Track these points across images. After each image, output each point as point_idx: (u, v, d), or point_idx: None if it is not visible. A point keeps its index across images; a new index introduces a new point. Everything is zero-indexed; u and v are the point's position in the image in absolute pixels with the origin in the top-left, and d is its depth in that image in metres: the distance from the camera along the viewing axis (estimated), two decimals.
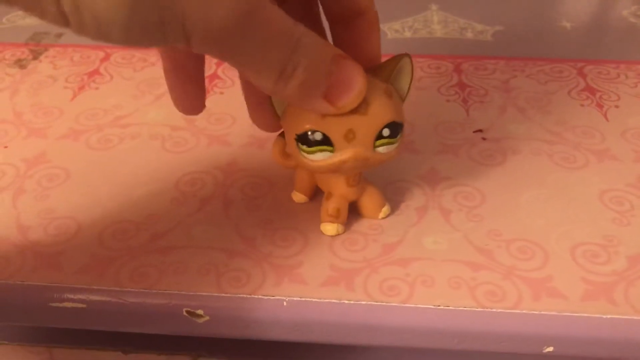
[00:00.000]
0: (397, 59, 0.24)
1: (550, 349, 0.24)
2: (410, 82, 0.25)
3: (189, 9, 0.17)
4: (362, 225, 0.28)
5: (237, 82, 0.38)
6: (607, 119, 0.35)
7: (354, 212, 0.28)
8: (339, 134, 0.23)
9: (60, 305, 0.25)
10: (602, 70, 0.40)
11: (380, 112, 0.23)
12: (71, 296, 0.25)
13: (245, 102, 0.27)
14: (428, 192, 0.30)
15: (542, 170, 0.31)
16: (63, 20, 0.16)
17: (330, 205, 0.27)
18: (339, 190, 0.27)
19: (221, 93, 0.37)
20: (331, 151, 0.23)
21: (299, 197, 0.29)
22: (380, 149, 0.23)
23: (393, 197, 0.29)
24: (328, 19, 0.25)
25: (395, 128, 0.23)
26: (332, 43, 0.25)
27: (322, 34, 0.25)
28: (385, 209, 0.28)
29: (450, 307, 0.24)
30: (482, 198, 0.29)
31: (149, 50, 0.42)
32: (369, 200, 0.28)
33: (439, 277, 0.25)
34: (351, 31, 0.24)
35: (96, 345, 0.30)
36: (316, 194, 0.29)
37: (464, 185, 0.30)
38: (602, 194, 0.29)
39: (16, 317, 0.26)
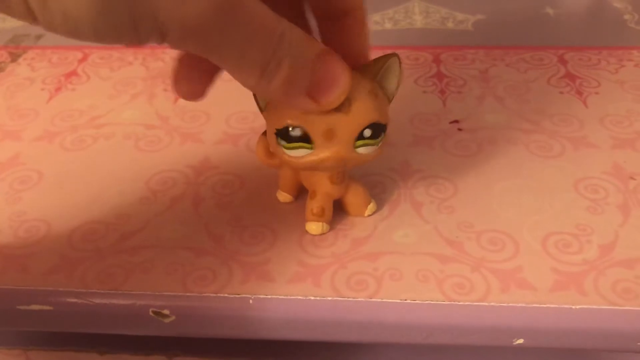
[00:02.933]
0: (384, 58, 0.23)
1: (521, 341, 0.24)
2: (399, 82, 0.24)
3: (163, 5, 0.16)
4: (332, 221, 0.27)
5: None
6: (586, 106, 0.35)
7: (336, 209, 0.27)
8: (319, 132, 0.22)
9: (28, 308, 0.25)
10: (584, 56, 0.39)
11: (362, 112, 0.22)
12: (38, 299, 0.25)
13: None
14: (400, 185, 0.29)
15: (517, 160, 0.31)
16: (30, 16, 0.16)
17: (314, 204, 0.26)
18: (323, 188, 0.26)
19: None
20: (310, 148, 0.23)
21: (283, 196, 0.28)
22: (361, 150, 0.23)
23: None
24: (315, 16, 0.24)
25: (378, 129, 0.23)
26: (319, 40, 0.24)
27: (308, 31, 0.25)
28: (371, 206, 0.27)
29: (417, 301, 0.24)
30: (454, 190, 0.29)
31: (126, 50, 0.42)
32: (354, 198, 0.27)
33: (407, 271, 0.25)
34: (339, 29, 0.23)
35: (72, 346, 0.30)
36: (302, 192, 0.28)
37: (436, 177, 0.30)
38: (577, 183, 0.29)
39: None
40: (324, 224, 0.27)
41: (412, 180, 0.29)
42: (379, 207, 0.28)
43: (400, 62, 0.24)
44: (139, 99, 0.36)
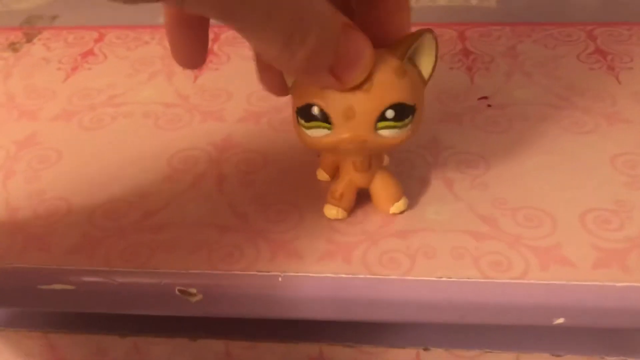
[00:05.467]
0: (416, 34, 0.22)
1: (561, 320, 0.23)
2: (435, 61, 0.22)
3: None
4: (361, 197, 0.26)
5: (233, 58, 0.37)
6: (619, 82, 0.33)
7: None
8: (338, 111, 0.21)
9: (50, 287, 0.24)
10: (614, 32, 0.38)
11: (384, 91, 0.21)
12: (60, 278, 0.24)
13: (255, 63, 0.24)
14: (430, 162, 0.28)
15: (549, 136, 0.30)
16: None
17: (336, 188, 0.25)
18: (347, 174, 0.25)
19: (216, 69, 0.36)
20: (329, 128, 0.22)
21: (322, 175, 0.27)
22: (383, 132, 0.22)
23: (393, 168, 0.28)
24: None
25: (403, 110, 0.21)
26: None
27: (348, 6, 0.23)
28: (400, 204, 0.25)
29: (452, 279, 0.23)
30: (486, 166, 0.28)
31: (143, 29, 0.41)
32: (381, 191, 0.25)
33: (440, 248, 0.24)
34: (377, 7, 0.22)
35: (93, 328, 0.29)
36: None
37: (467, 154, 0.29)
38: (613, 158, 0.28)
39: (5, 301, 0.25)
40: (341, 210, 0.25)
41: (442, 156, 0.29)
42: (408, 184, 0.27)
43: (436, 40, 0.22)
44: (158, 77, 0.36)
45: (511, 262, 0.23)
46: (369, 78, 0.21)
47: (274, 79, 0.23)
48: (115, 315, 0.29)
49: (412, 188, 0.27)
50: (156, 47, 0.39)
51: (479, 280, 0.23)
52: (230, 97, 0.34)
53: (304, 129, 0.22)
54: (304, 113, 0.22)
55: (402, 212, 0.25)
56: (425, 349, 0.28)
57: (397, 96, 0.21)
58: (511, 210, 0.26)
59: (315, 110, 0.21)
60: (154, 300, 0.24)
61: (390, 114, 0.21)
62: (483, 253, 0.24)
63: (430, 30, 0.22)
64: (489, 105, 0.32)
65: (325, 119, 0.21)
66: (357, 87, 0.21)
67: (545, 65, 0.35)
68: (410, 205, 0.26)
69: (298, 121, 0.22)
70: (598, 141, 0.29)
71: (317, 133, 0.22)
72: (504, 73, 0.35)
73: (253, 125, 0.31)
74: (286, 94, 0.24)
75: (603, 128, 0.30)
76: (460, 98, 0.33)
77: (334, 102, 0.21)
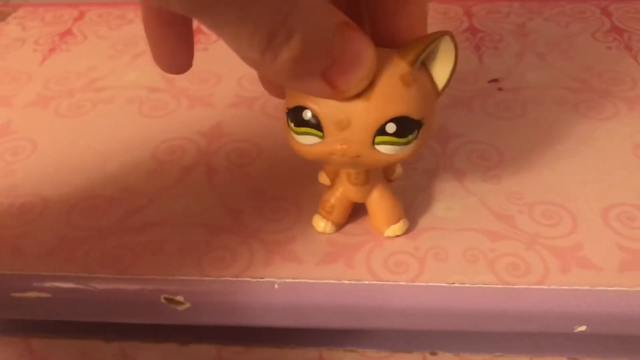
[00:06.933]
0: (432, 36, 0.18)
1: (583, 328, 0.21)
2: (453, 70, 0.19)
3: None
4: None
5: None
6: (637, 62, 0.31)
7: None
8: (331, 119, 0.18)
9: (24, 295, 0.22)
10: (630, 8, 0.36)
11: (386, 101, 0.18)
12: (34, 285, 0.22)
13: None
14: (438, 152, 0.26)
15: (566, 123, 0.27)
16: None
17: (328, 198, 0.22)
18: (342, 185, 0.22)
19: (205, 49, 0.34)
20: (320, 137, 0.19)
21: (323, 178, 0.25)
22: (381, 147, 0.19)
23: None
24: None
25: (407, 125, 0.18)
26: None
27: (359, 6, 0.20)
28: (396, 228, 0.22)
29: (467, 285, 0.21)
30: (499, 156, 0.26)
31: (126, 7, 0.38)
32: (377, 209, 0.22)
33: (453, 250, 0.22)
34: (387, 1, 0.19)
35: (76, 333, 0.27)
36: None
37: (478, 143, 0.26)
38: (636, 148, 0.26)
39: None
40: (329, 223, 0.23)
41: (451, 146, 0.26)
42: (415, 177, 0.25)
43: (455, 43, 0.19)
44: (142, 59, 0.33)
45: (529, 265, 0.21)
46: (370, 84, 0.18)
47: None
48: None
49: (419, 181, 0.25)
50: (141, 25, 0.36)
51: (496, 286, 0.21)
52: (219, 80, 0.31)
53: (292, 133, 0.19)
54: (294, 116, 0.19)
55: (398, 236, 0.22)
56: (433, 354, 0.26)
57: (401, 108, 0.18)
58: (528, 206, 0.23)
59: (307, 114, 0.19)
60: (137, 309, 0.22)
61: (391, 128, 0.18)
62: (499, 255, 0.22)
63: (449, 33, 0.19)
64: (500, 89, 0.30)
65: (317, 125, 0.19)
66: (356, 94, 0.18)
67: (559, 45, 0.33)
68: (417, 201, 0.24)
69: (288, 124, 0.19)
70: (619, 128, 0.27)
71: (306, 140, 0.19)
72: (515, 53, 0.32)
73: (245, 111, 0.29)
74: None
75: (623, 113, 0.28)
76: (469, 81, 0.30)
77: (328, 107, 0.18)
